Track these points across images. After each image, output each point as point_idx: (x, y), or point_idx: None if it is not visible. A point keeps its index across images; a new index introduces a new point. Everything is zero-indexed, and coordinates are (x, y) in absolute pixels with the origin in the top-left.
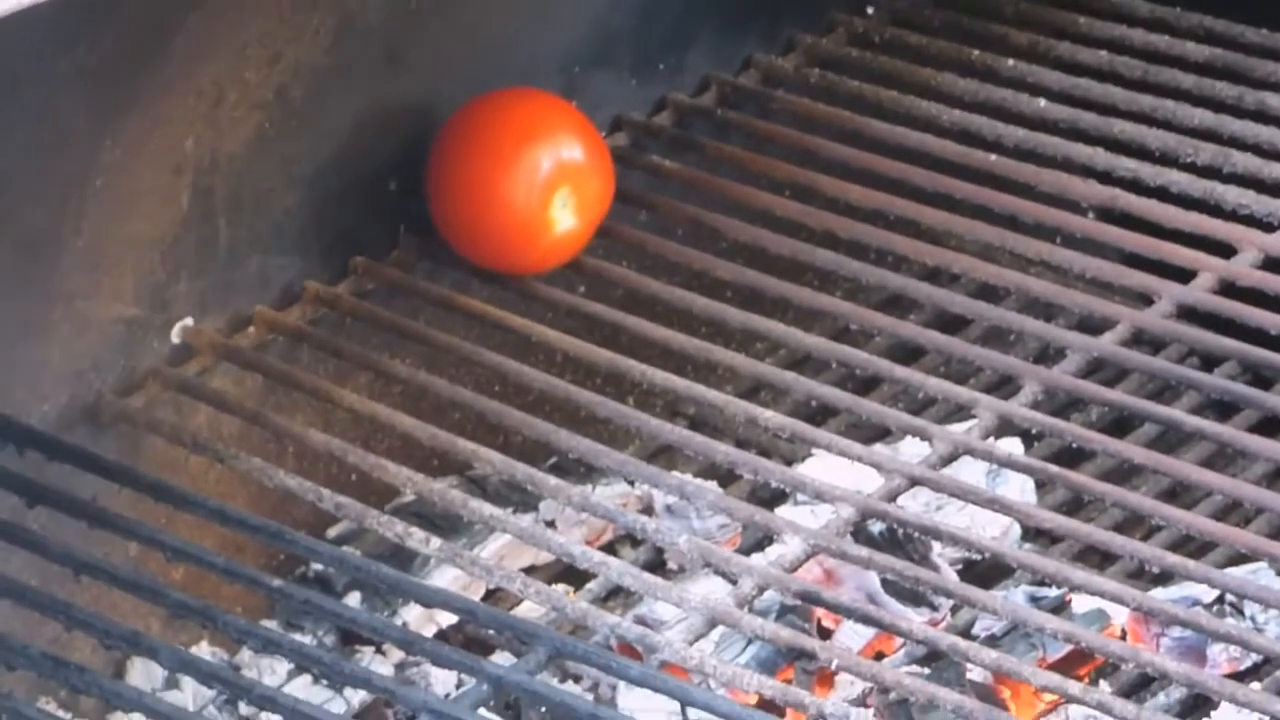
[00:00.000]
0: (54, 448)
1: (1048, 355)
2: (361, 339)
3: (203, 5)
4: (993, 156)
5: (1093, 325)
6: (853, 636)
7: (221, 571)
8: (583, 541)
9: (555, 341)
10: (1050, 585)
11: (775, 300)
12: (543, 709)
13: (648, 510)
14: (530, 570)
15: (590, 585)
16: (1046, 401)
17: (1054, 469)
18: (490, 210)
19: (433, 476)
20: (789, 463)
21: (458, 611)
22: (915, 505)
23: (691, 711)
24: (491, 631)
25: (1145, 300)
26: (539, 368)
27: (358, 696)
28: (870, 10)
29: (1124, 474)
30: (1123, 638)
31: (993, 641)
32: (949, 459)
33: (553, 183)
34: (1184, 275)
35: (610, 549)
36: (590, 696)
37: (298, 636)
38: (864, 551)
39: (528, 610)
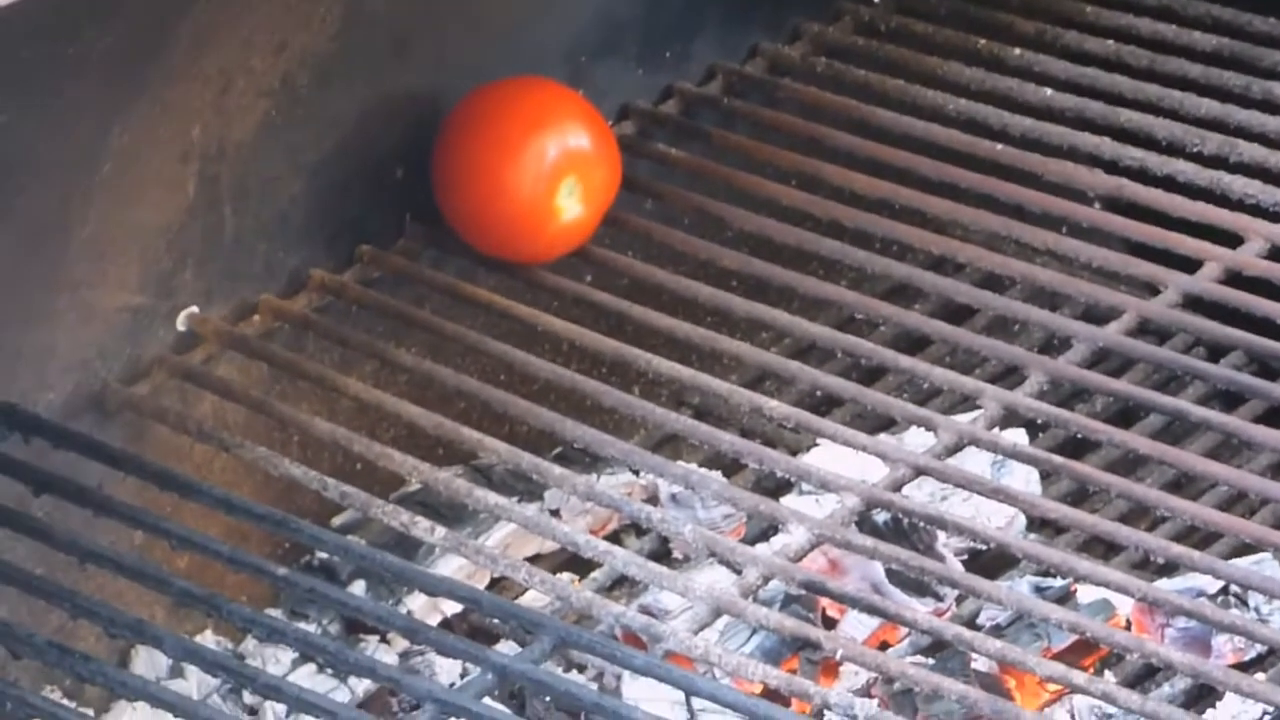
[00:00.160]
0: (59, 436)
1: (1053, 345)
2: (367, 327)
3: None
4: (999, 146)
5: (1098, 315)
6: (857, 626)
7: (226, 560)
8: (588, 531)
9: (561, 330)
10: (1055, 575)
11: (781, 289)
12: (547, 698)
13: (653, 499)
14: (535, 559)
15: (595, 574)
16: (1052, 392)
17: (1059, 459)
18: (496, 199)
19: (438, 465)
20: (794, 452)
21: (462, 600)
22: (920, 495)
23: (696, 701)
24: (496, 620)
25: (1151, 290)
26: (544, 356)
27: (362, 685)
28: None
29: (1129, 464)
30: (1127, 628)
31: (997, 632)
32: (954, 449)
33: (559, 171)
34: (1190, 265)
35: (615, 538)
36: (595, 686)
37: (302, 625)
38: (869, 541)
39: (532, 599)
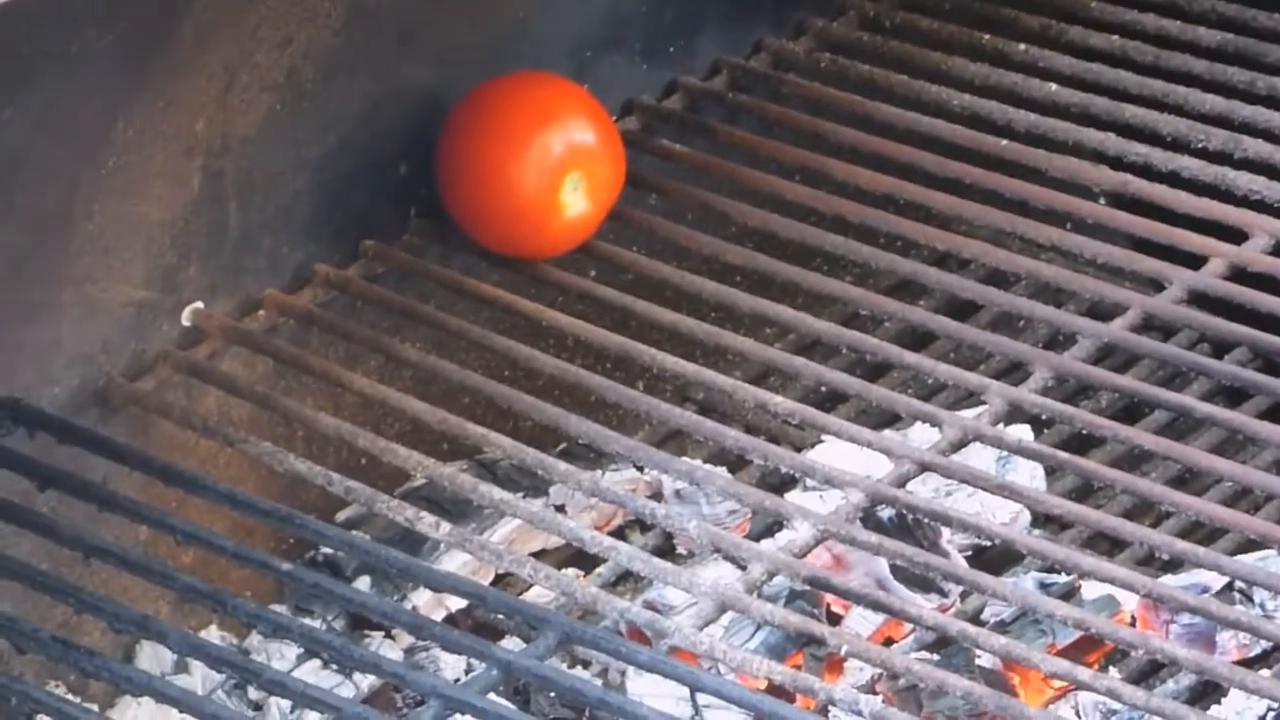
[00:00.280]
0: (64, 431)
1: (1058, 341)
2: (372, 323)
3: None
4: (1003, 141)
5: (1103, 311)
6: (862, 622)
7: (231, 555)
8: (592, 526)
9: (565, 326)
10: (1060, 571)
11: (785, 285)
12: (552, 694)
13: (657, 495)
14: (540, 555)
15: (600, 570)
16: (1056, 387)
17: (1064, 455)
18: (501, 194)
19: (443, 461)
20: (798, 448)
21: (467, 596)
22: (925, 491)
23: (701, 697)
24: (501, 616)
25: (1156, 286)
26: (549, 352)
27: (367, 681)
28: None
29: (1134, 460)
30: (1132, 624)
31: (1002, 628)
32: (959, 445)
33: (563, 166)
34: (1195, 261)
35: (620, 534)
36: (599, 682)
37: (307, 621)
38: (873, 537)
39: (537, 595)
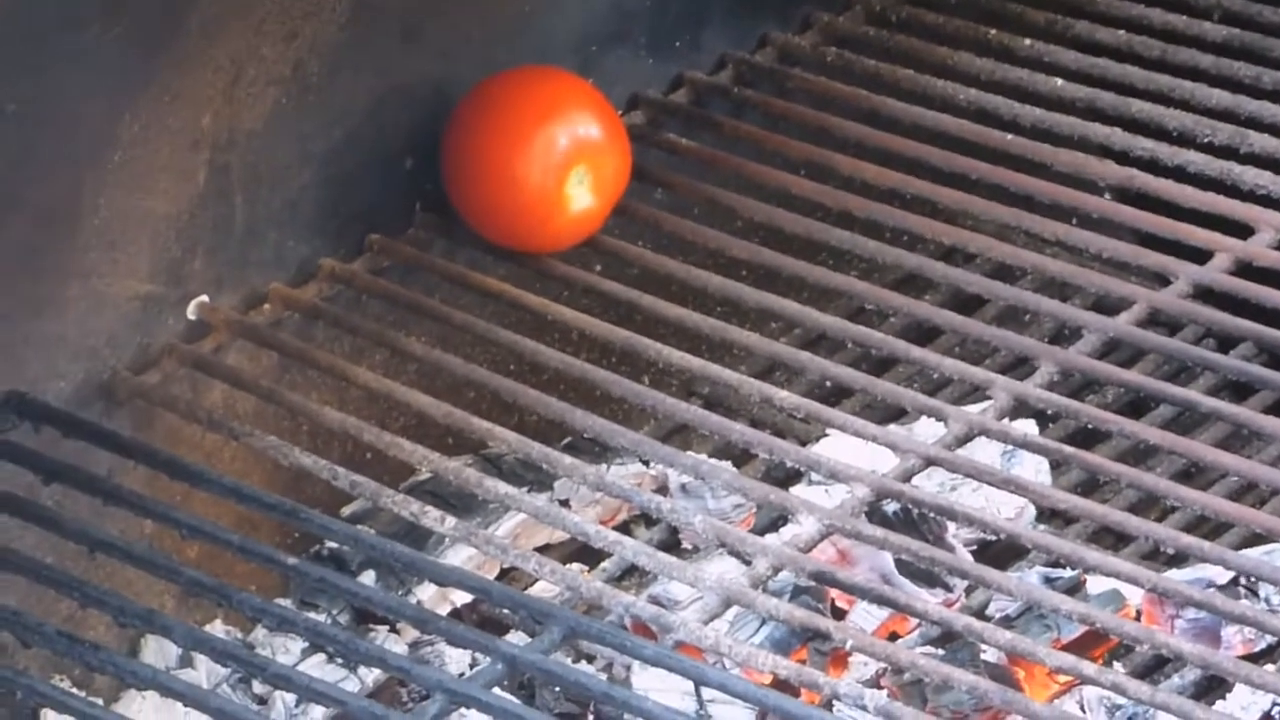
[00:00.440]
0: (69, 424)
1: (1064, 336)
2: (377, 316)
3: None
4: (1009, 136)
5: (1109, 306)
6: (867, 617)
7: (236, 549)
8: (597, 521)
9: (571, 320)
10: (1065, 566)
11: (791, 279)
12: (557, 688)
13: (662, 490)
14: (545, 549)
15: (605, 565)
16: (1062, 382)
17: (1069, 450)
18: (506, 188)
19: (448, 455)
20: (804, 443)
21: (472, 590)
22: (930, 485)
23: (705, 691)
24: (506, 610)
25: (1162, 281)
26: (554, 346)
27: (372, 675)
28: None
29: (1139, 455)
30: (1137, 619)
31: (1007, 622)
32: (964, 439)
33: (569, 161)
34: (1201, 255)
35: (625, 528)
36: (604, 676)
37: (312, 615)
38: (879, 532)
39: (542, 589)
